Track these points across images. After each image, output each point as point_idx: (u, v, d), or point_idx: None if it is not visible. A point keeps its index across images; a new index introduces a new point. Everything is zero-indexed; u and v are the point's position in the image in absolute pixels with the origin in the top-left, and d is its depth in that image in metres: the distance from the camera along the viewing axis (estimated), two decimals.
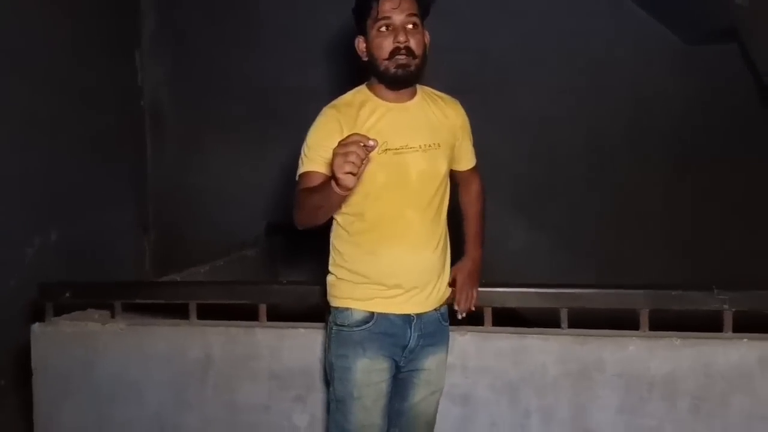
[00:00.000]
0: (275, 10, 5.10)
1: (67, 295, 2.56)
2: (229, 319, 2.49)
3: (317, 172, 1.82)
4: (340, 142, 1.56)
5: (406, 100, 1.92)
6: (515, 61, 5.11)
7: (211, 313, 2.53)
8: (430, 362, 1.98)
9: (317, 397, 2.41)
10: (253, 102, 5.17)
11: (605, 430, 2.26)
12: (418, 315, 1.93)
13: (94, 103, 4.58)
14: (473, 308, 2.14)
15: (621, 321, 2.33)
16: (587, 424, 2.27)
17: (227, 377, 2.45)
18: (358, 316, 1.91)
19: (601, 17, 4.96)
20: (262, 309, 2.45)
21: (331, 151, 1.69)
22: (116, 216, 4.89)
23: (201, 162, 5.19)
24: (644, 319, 2.26)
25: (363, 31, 1.89)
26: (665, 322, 2.29)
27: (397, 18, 1.82)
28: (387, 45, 1.82)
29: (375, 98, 1.91)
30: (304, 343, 2.42)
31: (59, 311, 2.63)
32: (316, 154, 1.84)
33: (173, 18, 5.25)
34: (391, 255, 1.88)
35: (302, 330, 2.44)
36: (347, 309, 1.92)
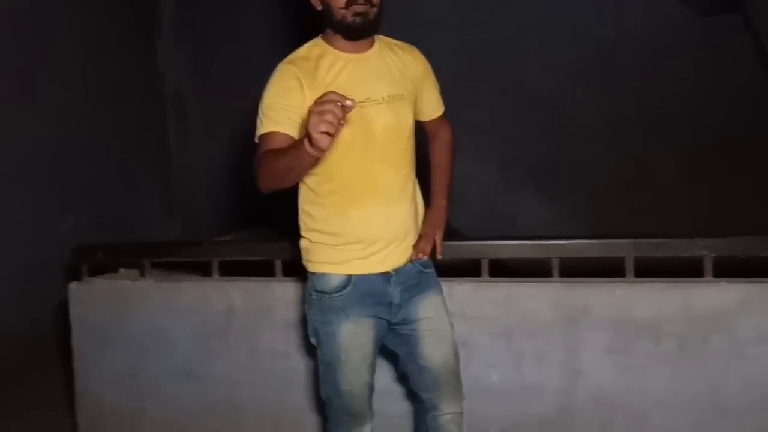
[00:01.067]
0: None
1: (100, 255, 2.79)
2: (249, 272, 2.69)
3: (279, 132, 1.73)
4: (316, 100, 1.47)
5: (365, 51, 1.84)
6: (526, 37, 5.23)
7: (232, 270, 2.75)
8: (424, 310, 1.94)
9: None
10: None
11: (594, 369, 2.42)
12: (397, 271, 1.90)
13: (119, 93, 4.83)
14: (439, 255, 2.04)
15: (610, 270, 2.49)
16: (577, 365, 2.44)
17: (248, 328, 2.66)
18: (336, 281, 1.87)
19: None
20: (278, 264, 2.65)
21: (291, 110, 1.72)
22: (142, 199, 5.14)
23: (222, 148, 5.39)
24: (630, 266, 2.42)
25: None
26: (651, 269, 2.45)
27: None
28: None
29: (333, 50, 1.82)
30: None
31: (93, 272, 2.87)
32: (276, 114, 1.75)
33: (193, 7, 5.46)
34: (364, 214, 1.83)
35: None
36: (324, 274, 1.88)
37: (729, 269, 2.38)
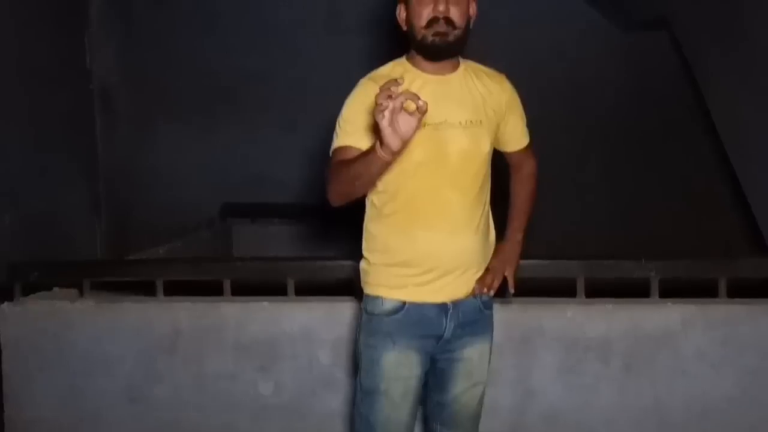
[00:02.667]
0: None
1: (36, 274, 2.63)
2: (195, 292, 2.60)
3: (353, 147, 1.69)
4: (381, 87, 1.43)
5: (448, 73, 1.80)
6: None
7: (176, 289, 2.65)
8: (470, 352, 1.85)
9: (281, 366, 2.56)
10: (204, 83, 5.22)
11: (546, 389, 2.48)
12: (455, 303, 1.81)
13: (44, 84, 4.56)
14: (512, 290, 1.97)
15: (559, 285, 2.54)
16: (530, 385, 2.49)
17: (195, 349, 2.58)
18: (388, 305, 1.80)
19: (543, 3, 5.19)
20: (227, 284, 2.58)
21: (366, 125, 1.67)
22: (68, 198, 4.88)
23: (153, 143, 5.21)
24: (580, 287, 2.48)
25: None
26: (602, 288, 2.52)
27: None
28: (426, 13, 1.71)
29: (414, 70, 1.79)
30: (267, 316, 2.57)
31: (26, 290, 2.70)
32: (352, 128, 1.72)
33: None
34: (425, 237, 1.76)
35: (265, 303, 2.58)
36: (378, 297, 1.81)
37: (674, 286, 2.48)
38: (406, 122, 1.42)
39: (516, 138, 1.95)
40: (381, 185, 1.75)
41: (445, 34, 1.71)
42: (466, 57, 1.86)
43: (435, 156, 1.74)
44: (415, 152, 1.69)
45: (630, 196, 5.43)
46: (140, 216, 5.13)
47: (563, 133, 5.36)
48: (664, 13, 4.59)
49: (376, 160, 1.50)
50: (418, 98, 1.40)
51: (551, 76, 5.24)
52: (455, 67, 1.81)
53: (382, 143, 1.45)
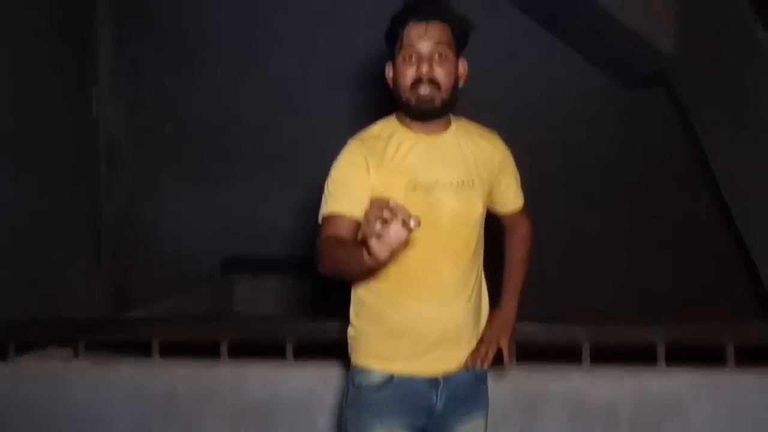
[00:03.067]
0: (232, 49, 5.23)
1: (31, 333, 2.59)
2: (192, 352, 2.55)
3: (343, 216, 1.63)
4: (374, 202, 1.40)
5: (438, 133, 1.74)
6: (458, 104, 5.34)
7: (174, 346, 2.60)
8: (464, 429, 1.75)
9: (279, 430, 2.50)
10: (208, 136, 5.26)
11: None
12: (445, 377, 1.71)
13: (50, 137, 4.59)
14: (507, 361, 1.84)
15: (563, 349, 2.49)
16: None
17: (191, 413, 2.51)
18: (376, 379, 1.71)
19: (543, 61, 5.25)
20: (224, 347, 2.53)
21: (355, 188, 1.61)
22: (69, 251, 4.86)
23: (156, 196, 5.23)
24: (586, 353, 2.43)
25: (391, 58, 1.74)
26: (606, 350, 2.47)
27: (424, 46, 1.66)
28: (410, 74, 1.67)
29: (404, 129, 1.73)
30: (265, 380, 2.52)
31: (20, 348, 2.65)
32: (340, 191, 1.66)
33: (131, 54, 5.31)
34: (415, 307, 1.69)
35: (264, 365, 2.53)
36: (365, 368, 1.73)
37: (682, 348, 2.43)
38: (396, 232, 1.33)
39: (509, 199, 1.87)
40: (377, 274, 1.66)
41: (429, 98, 1.66)
42: (461, 112, 1.82)
43: (426, 219, 1.56)
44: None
45: (630, 251, 5.40)
46: (141, 269, 5.10)
47: (562, 189, 5.38)
48: (661, 69, 4.64)
49: (362, 264, 1.40)
50: (410, 216, 1.32)
51: (550, 133, 5.27)
52: (446, 125, 1.76)
53: (369, 252, 1.35)
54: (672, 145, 5.30)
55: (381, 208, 1.34)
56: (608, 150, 5.35)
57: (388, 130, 1.74)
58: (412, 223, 1.32)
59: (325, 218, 1.66)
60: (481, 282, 1.80)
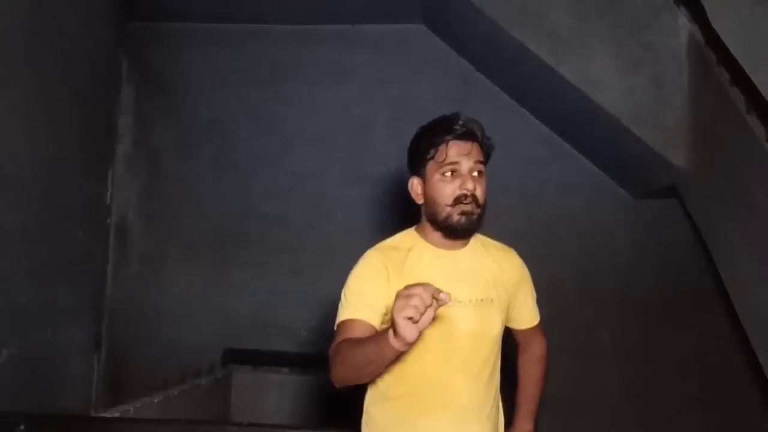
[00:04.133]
0: (250, 137, 5.32)
1: (22, 427, 2.51)
2: None
3: (359, 320, 1.59)
4: (406, 286, 1.35)
5: (459, 248, 1.73)
6: None
7: None
8: None
9: None
10: (219, 224, 5.28)
11: None
12: None
13: (61, 218, 4.62)
14: None
15: None
16: None
17: None
18: None
19: (556, 170, 5.31)
20: None
21: (374, 298, 1.59)
22: (71, 333, 4.82)
23: (162, 282, 5.22)
24: None
25: (418, 172, 1.71)
26: None
27: (466, 164, 1.65)
28: (451, 191, 1.65)
29: (424, 243, 1.71)
30: None
31: None
32: (358, 300, 1.62)
33: (148, 139, 5.43)
34: (429, 426, 1.63)
35: None
36: None
37: None
38: (428, 315, 1.32)
39: (526, 315, 1.86)
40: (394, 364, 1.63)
41: (471, 213, 1.65)
42: None
43: (444, 337, 1.63)
44: (424, 332, 1.54)
45: (642, 365, 5.27)
46: (140, 356, 5.03)
47: (575, 301, 5.31)
48: (673, 182, 4.66)
49: (388, 347, 1.37)
50: (439, 291, 1.31)
51: (562, 243, 5.27)
52: (466, 241, 1.75)
53: (396, 333, 1.33)
54: (686, 257, 5.26)
55: (410, 287, 1.29)
56: (620, 261, 5.32)
57: (407, 241, 1.72)
58: (442, 296, 1.29)
59: (340, 325, 1.63)
60: (498, 402, 1.77)
